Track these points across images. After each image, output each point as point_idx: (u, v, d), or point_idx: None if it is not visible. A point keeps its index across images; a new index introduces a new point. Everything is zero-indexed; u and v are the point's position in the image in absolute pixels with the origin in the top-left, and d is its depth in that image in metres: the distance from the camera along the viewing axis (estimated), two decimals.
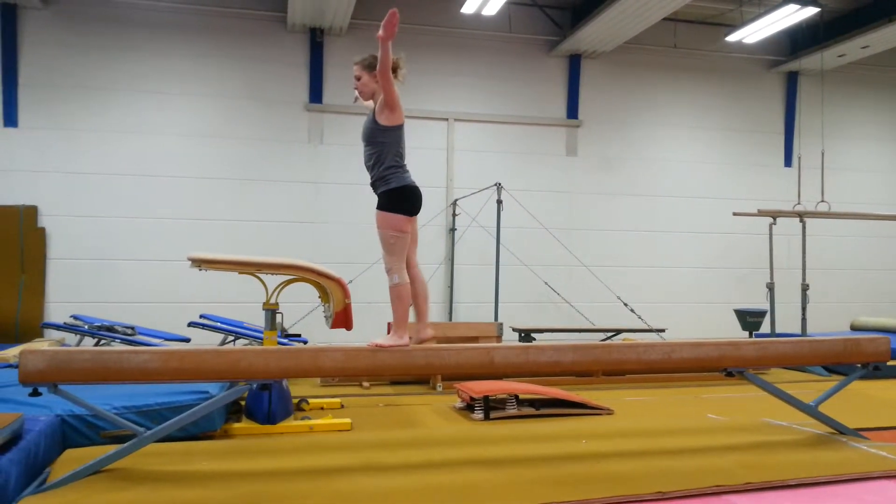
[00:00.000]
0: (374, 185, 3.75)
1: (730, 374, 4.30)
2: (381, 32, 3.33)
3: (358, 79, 3.71)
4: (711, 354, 4.21)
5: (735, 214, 9.66)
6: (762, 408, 5.78)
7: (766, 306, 9.31)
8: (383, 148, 3.66)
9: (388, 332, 3.83)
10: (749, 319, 9.50)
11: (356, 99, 3.93)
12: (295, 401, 5.75)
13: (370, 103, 3.83)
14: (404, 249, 3.71)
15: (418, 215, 3.82)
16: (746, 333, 9.50)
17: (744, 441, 4.33)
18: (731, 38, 10.35)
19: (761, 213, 9.25)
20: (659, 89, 11.26)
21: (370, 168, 3.74)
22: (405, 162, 3.76)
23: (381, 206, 3.67)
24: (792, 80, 11.76)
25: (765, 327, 9.38)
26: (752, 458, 3.87)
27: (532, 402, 5.87)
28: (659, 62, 11.20)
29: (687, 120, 11.38)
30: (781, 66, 11.58)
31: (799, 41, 11.05)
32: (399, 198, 3.66)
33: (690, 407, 6.34)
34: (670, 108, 11.32)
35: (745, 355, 4.23)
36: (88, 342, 7.38)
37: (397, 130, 3.65)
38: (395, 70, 3.61)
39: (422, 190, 3.79)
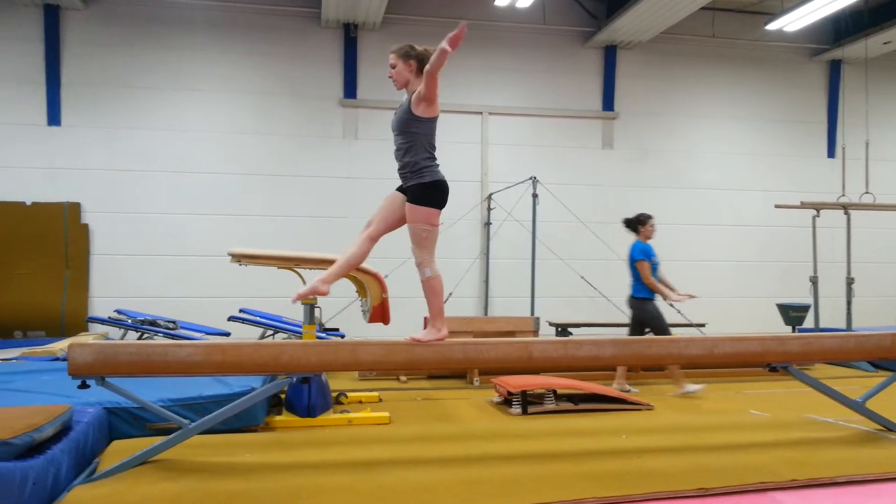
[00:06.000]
0: (403, 175, 3.74)
1: (773, 370, 4.22)
2: (445, 44, 3.30)
3: (393, 66, 3.72)
4: (755, 349, 4.13)
5: (777, 207, 9.44)
6: (806, 404, 5.67)
7: (809, 300, 9.11)
8: (416, 139, 3.66)
9: (425, 327, 3.84)
10: (792, 314, 9.31)
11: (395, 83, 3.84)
12: (334, 394, 5.81)
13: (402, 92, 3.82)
14: (434, 243, 3.72)
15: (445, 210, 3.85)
16: (789, 328, 9.32)
17: (788, 437, 4.25)
18: (771, 26, 10.12)
19: (804, 206, 9.04)
20: (697, 80, 11.07)
21: (400, 157, 3.73)
22: (435, 153, 3.75)
23: (414, 200, 3.66)
24: (835, 69, 11.46)
25: (808, 322, 9.19)
26: (797, 454, 3.80)
27: (570, 397, 5.85)
28: (697, 52, 11.01)
29: (726, 111, 11.17)
30: (824, 54, 11.29)
31: (842, 28, 10.77)
32: (432, 192, 3.66)
33: (732, 402, 6.24)
34: (709, 98, 11.12)
35: (789, 350, 4.14)
36: (132, 336, 7.52)
37: (431, 122, 3.65)
38: (425, 59, 3.62)
39: (457, 184, 3.87)
